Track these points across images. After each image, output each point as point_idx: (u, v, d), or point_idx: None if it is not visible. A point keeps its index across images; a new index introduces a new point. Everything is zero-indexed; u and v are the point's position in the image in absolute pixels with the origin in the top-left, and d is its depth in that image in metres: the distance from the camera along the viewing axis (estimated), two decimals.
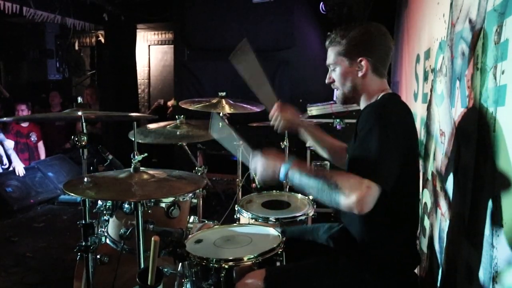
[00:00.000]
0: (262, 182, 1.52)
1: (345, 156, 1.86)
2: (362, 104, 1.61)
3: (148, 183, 1.60)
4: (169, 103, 6.59)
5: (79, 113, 1.80)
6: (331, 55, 1.60)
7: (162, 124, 2.48)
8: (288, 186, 2.96)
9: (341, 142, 1.94)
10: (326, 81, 1.65)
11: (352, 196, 1.25)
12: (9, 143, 5.05)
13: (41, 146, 5.50)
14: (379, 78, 1.57)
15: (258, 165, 1.50)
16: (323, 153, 1.94)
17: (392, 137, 1.35)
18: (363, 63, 1.52)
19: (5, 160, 4.95)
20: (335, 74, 1.60)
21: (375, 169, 1.29)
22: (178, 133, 2.37)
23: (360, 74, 1.54)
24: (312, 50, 4.88)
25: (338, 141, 1.95)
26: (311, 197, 2.50)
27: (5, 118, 4.15)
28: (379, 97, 1.55)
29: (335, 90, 1.66)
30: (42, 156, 5.50)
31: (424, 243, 2.08)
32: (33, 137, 5.40)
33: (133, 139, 1.99)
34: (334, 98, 3.91)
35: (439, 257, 1.75)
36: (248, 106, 2.85)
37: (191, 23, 5.17)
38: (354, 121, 3.95)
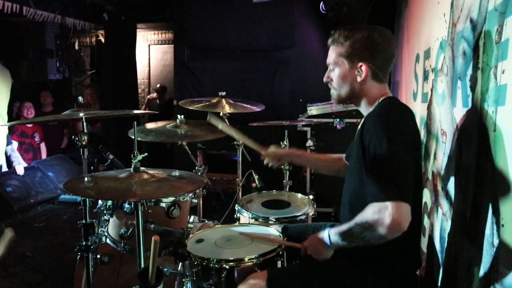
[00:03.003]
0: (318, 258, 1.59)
1: (343, 164, 1.89)
2: (362, 108, 1.60)
3: (148, 183, 1.60)
4: (150, 96, 6.62)
5: (81, 114, 1.80)
6: (332, 54, 1.57)
7: (160, 123, 2.47)
8: (288, 186, 2.96)
9: (334, 154, 2.00)
10: (324, 79, 1.63)
11: (387, 224, 1.26)
12: (14, 146, 5.07)
13: (43, 146, 5.53)
14: (378, 84, 1.54)
15: (311, 250, 1.57)
16: (322, 170, 2.04)
17: (403, 149, 1.35)
18: (363, 68, 1.50)
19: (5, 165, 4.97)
20: (333, 75, 1.58)
21: (399, 189, 1.29)
22: (178, 132, 2.37)
23: (359, 79, 1.52)
24: (312, 50, 4.87)
25: (330, 155, 2.01)
26: (311, 197, 2.50)
27: (9, 123, 4.21)
28: (378, 102, 1.53)
29: (331, 89, 1.64)
30: (44, 156, 5.52)
31: (424, 243, 2.08)
32: (37, 138, 5.43)
33: (134, 138, 1.99)
34: None
35: (439, 257, 1.75)
36: (248, 106, 2.85)
37: (191, 23, 5.17)
38: (354, 120, 3.95)
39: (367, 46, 1.49)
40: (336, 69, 1.56)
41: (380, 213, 1.27)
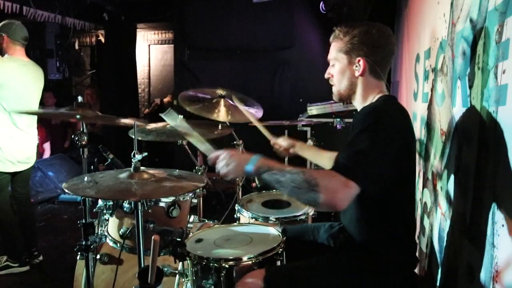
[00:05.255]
0: (228, 177, 1.46)
1: None
2: (357, 104, 1.62)
3: (148, 183, 1.60)
4: (165, 100, 6.60)
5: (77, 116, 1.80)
6: (332, 50, 1.61)
7: (160, 124, 2.47)
8: None
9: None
10: (325, 75, 1.66)
11: (329, 193, 1.23)
12: None
13: (47, 146, 5.52)
14: (376, 80, 1.56)
15: (225, 158, 1.47)
16: (325, 166, 2.02)
17: (383, 139, 1.34)
18: (361, 63, 1.53)
19: None
20: (334, 70, 1.61)
21: (358, 169, 1.27)
22: (178, 132, 2.36)
23: (357, 73, 1.55)
24: (312, 50, 4.88)
25: (334, 152, 1.98)
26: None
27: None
28: (375, 99, 1.55)
29: (332, 86, 1.66)
30: (47, 156, 5.51)
31: (423, 243, 2.08)
32: None
33: (133, 138, 1.99)
34: None
35: (439, 257, 1.75)
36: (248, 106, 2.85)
37: (191, 23, 5.18)
38: None
39: (365, 41, 1.52)
40: (336, 64, 1.60)
41: (337, 185, 1.23)
